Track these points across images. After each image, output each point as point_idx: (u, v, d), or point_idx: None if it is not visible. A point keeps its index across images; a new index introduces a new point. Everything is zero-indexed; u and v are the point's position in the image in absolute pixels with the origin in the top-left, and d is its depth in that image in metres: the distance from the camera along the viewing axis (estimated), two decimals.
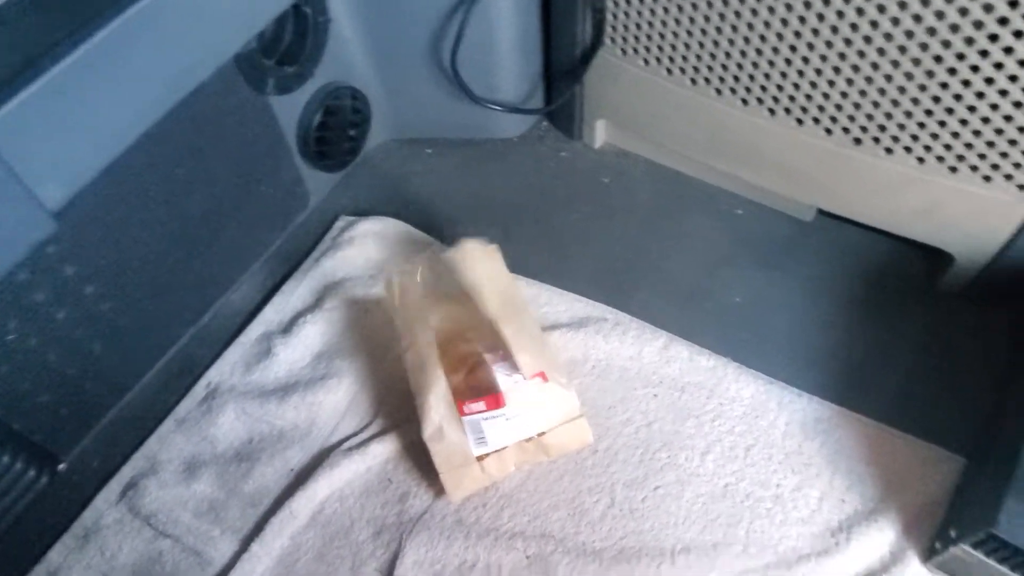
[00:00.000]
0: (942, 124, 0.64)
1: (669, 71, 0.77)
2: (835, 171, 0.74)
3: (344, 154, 0.93)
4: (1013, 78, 0.58)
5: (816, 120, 0.70)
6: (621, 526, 0.68)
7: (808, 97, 0.69)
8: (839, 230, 0.84)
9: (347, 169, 0.95)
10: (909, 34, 0.60)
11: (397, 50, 0.85)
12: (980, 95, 0.61)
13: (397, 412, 0.74)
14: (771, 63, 0.69)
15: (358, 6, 0.80)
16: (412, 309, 0.72)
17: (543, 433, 0.69)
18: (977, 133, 0.63)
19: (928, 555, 0.63)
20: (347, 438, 0.74)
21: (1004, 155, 0.63)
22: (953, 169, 0.67)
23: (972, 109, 0.62)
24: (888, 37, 0.61)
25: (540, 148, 0.98)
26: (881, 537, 0.65)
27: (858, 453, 0.70)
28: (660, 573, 0.65)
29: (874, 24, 0.61)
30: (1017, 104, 0.60)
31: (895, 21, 0.60)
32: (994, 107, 0.61)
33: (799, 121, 0.71)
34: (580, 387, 0.75)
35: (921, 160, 0.68)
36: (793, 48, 0.67)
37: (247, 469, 0.73)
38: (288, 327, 0.81)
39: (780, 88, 0.70)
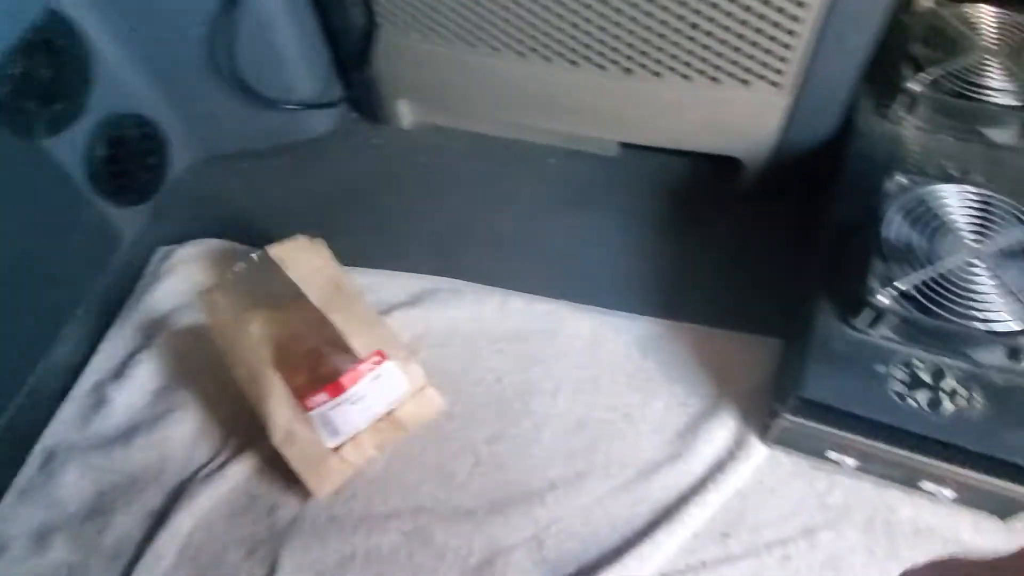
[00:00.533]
0: (692, 40, 0.69)
1: (445, 39, 0.79)
2: (619, 103, 0.78)
3: (147, 184, 0.89)
4: None
5: (588, 59, 0.74)
6: (490, 481, 0.70)
7: (574, 38, 0.72)
8: (642, 159, 0.89)
9: (155, 198, 0.91)
10: None
11: (173, 67, 0.82)
12: (717, 9, 0.66)
13: (249, 429, 0.73)
14: (531, 11, 0.72)
15: (116, 27, 0.77)
16: (228, 324, 0.71)
17: (393, 411, 0.70)
18: (724, 42, 0.68)
19: (763, 433, 0.69)
20: (203, 466, 0.72)
21: (751, 57, 0.69)
22: (715, 79, 0.72)
23: (714, 23, 0.67)
24: None
25: (353, 140, 0.98)
26: (723, 429, 0.70)
27: (691, 359, 0.75)
28: (534, 515, 0.68)
29: None
30: (747, 9, 0.65)
31: None
32: (731, 17, 0.66)
33: (573, 63, 0.75)
34: (427, 358, 0.76)
35: (687, 77, 0.73)
36: None
37: (103, 523, 0.70)
38: (120, 371, 0.77)
39: (548, 35, 0.73)
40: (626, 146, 0.89)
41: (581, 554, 0.66)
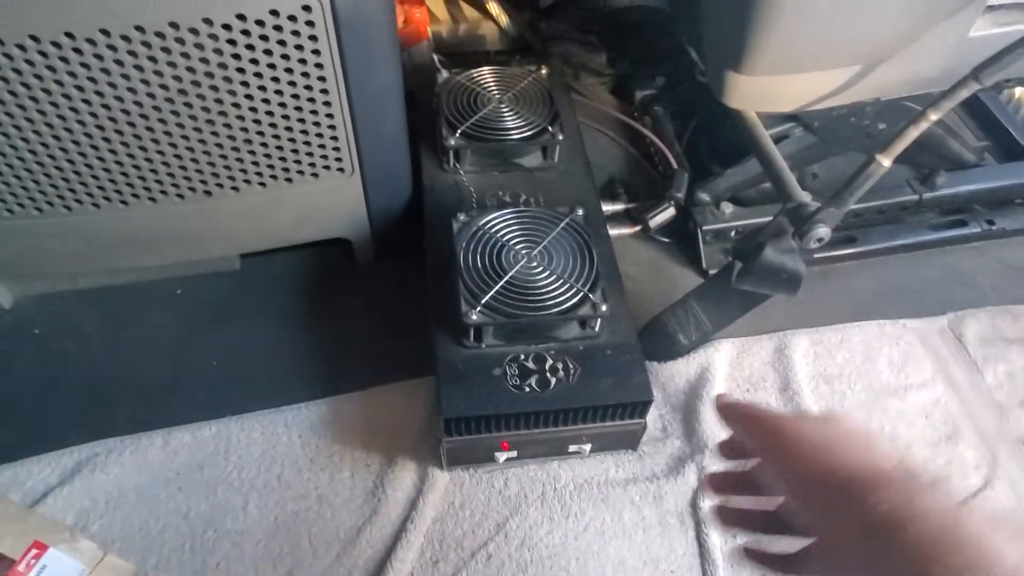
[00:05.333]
0: (253, 155, 0.76)
1: (13, 211, 0.77)
2: (215, 222, 0.82)
3: None
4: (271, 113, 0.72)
5: (164, 193, 0.77)
6: None
7: (143, 179, 0.75)
8: (264, 263, 0.95)
9: None
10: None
11: None
12: (263, 124, 0.74)
13: None
14: (90, 161, 0.73)
15: None
16: None
17: None
18: (281, 149, 0.76)
19: (440, 461, 0.77)
20: None
21: (310, 155, 0.78)
22: (289, 180, 0.80)
23: (265, 136, 0.75)
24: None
25: None
26: (406, 472, 0.78)
27: (363, 422, 0.82)
28: None
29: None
30: (287, 118, 0.74)
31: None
32: (276, 128, 0.74)
33: (152, 200, 0.77)
34: (101, 528, 0.73)
35: (264, 185, 0.79)
36: (95, 148, 0.72)
37: None
38: None
39: (114, 180, 0.75)
40: (246, 256, 0.94)
41: None
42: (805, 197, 0.72)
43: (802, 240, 0.68)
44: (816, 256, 0.96)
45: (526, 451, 0.77)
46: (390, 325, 0.90)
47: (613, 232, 0.96)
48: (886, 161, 0.62)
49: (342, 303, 0.92)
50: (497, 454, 0.76)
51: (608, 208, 0.98)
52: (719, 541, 0.74)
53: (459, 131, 0.86)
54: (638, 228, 0.97)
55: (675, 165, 1.00)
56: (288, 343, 0.88)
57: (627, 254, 0.96)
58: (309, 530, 0.74)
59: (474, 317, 0.71)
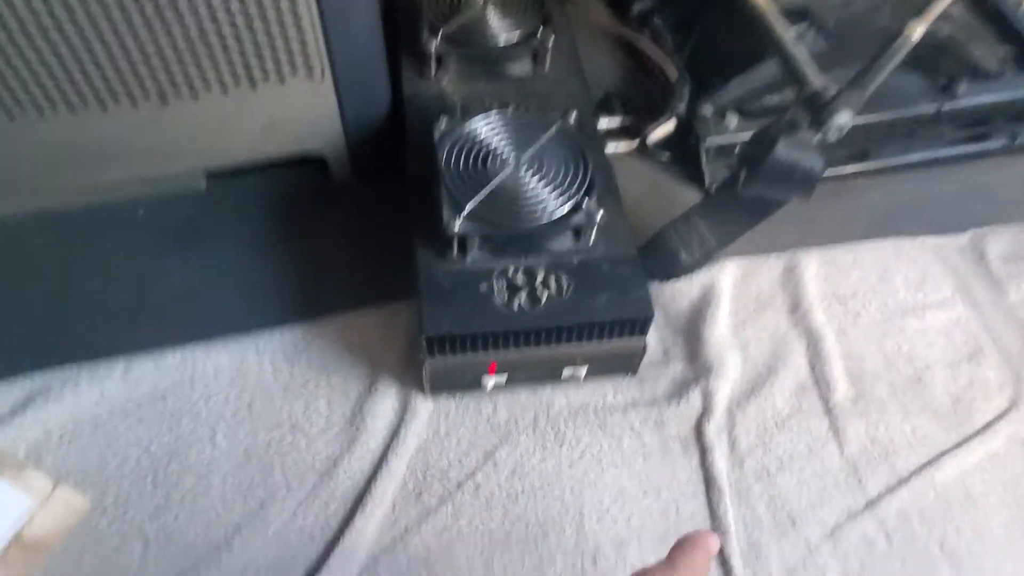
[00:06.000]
0: (211, 52, 0.68)
1: None
2: (173, 132, 0.75)
3: None
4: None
5: (115, 99, 0.70)
6: (166, 558, 0.63)
7: (89, 79, 0.68)
8: (236, 183, 0.87)
9: None
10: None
11: None
12: (221, 18, 0.66)
13: None
14: (30, 57, 0.66)
15: None
16: None
17: (22, 532, 0.60)
18: (242, 44, 0.69)
19: (423, 387, 0.71)
20: None
21: (274, 53, 0.70)
22: (252, 84, 0.72)
23: (223, 30, 0.67)
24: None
25: None
26: (387, 399, 0.72)
27: (340, 347, 0.75)
28: (223, 569, 0.63)
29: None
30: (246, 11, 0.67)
31: None
32: (235, 20, 0.67)
33: (102, 106, 0.70)
34: (55, 462, 0.67)
35: (224, 90, 0.72)
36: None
37: None
38: None
39: (59, 80, 0.68)
40: (214, 176, 0.86)
41: None
42: (823, 81, 0.65)
43: (820, 130, 0.61)
44: (827, 174, 0.89)
45: (517, 376, 0.71)
46: (370, 247, 0.83)
47: (609, 149, 0.89)
48: (916, 32, 0.55)
49: (318, 224, 0.85)
50: (485, 379, 0.71)
51: (604, 124, 0.91)
52: (725, 468, 0.69)
53: (441, 33, 0.79)
54: (636, 144, 0.90)
55: (675, 76, 0.93)
56: (259, 266, 0.81)
57: (624, 173, 0.89)
58: (282, 461, 0.68)
59: (457, 226, 0.64)
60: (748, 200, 0.73)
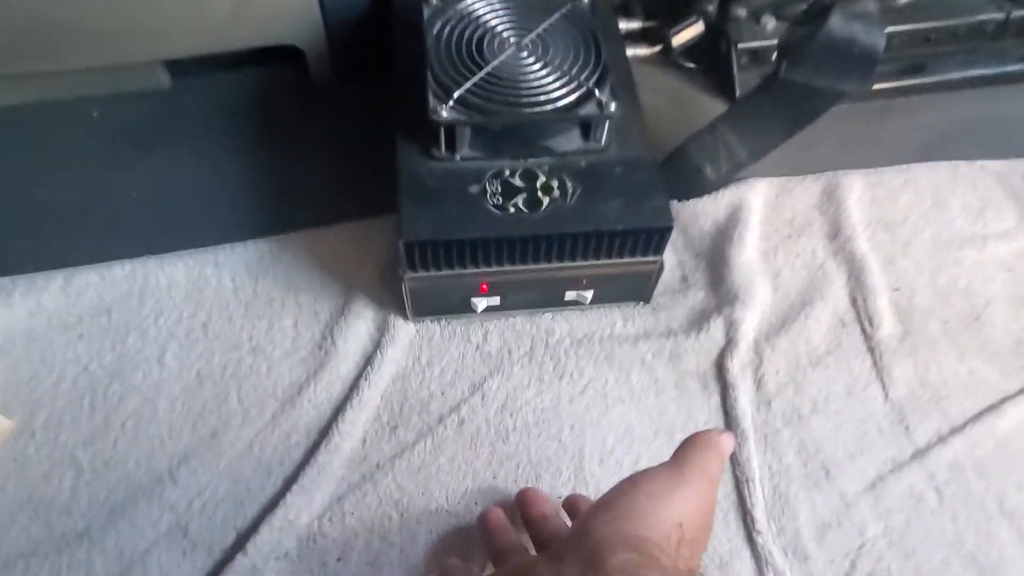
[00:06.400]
0: None
1: None
2: (127, 11, 0.65)
3: None
4: None
5: None
6: (101, 487, 0.54)
7: None
8: (204, 81, 0.77)
9: None
10: None
11: None
12: None
13: None
14: None
15: None
16: None
17: None
18: None
19: (405, 309, 0.62)
20: None
21: None
22: None
23: None
24: None
25: None
26: (362, 320, 0.63)
27: (311, 265, 0.66)
28: (167, 501, 0.54)
29: None
30: None
31: None
32: None
33: None
34: None
35: None
36: None
37: None
38: None
39: None
40: (178, 75, 0.77)
41: (236, 518, 0.54)
42: None
43: None
44: (876, 87, 0.78)
45: (512, 299, 0.62)
46: (350, 155, 0.73)
47: (628, 53, 0.79)
48: None
49: (293, 129, 0.75)
50: (475, 300, 0.61)
51: (623, 27, 0.80)
52: (750, 409, 0.59)
53: None
54: (658, 49, 0.79)
55: None
56: (225, 173, 0.72)
57: (645, 82, 0.78)
58: (239, 386, 0.60)
59: (444, 113, 0.54)
60: (787, 102, 0.62)
